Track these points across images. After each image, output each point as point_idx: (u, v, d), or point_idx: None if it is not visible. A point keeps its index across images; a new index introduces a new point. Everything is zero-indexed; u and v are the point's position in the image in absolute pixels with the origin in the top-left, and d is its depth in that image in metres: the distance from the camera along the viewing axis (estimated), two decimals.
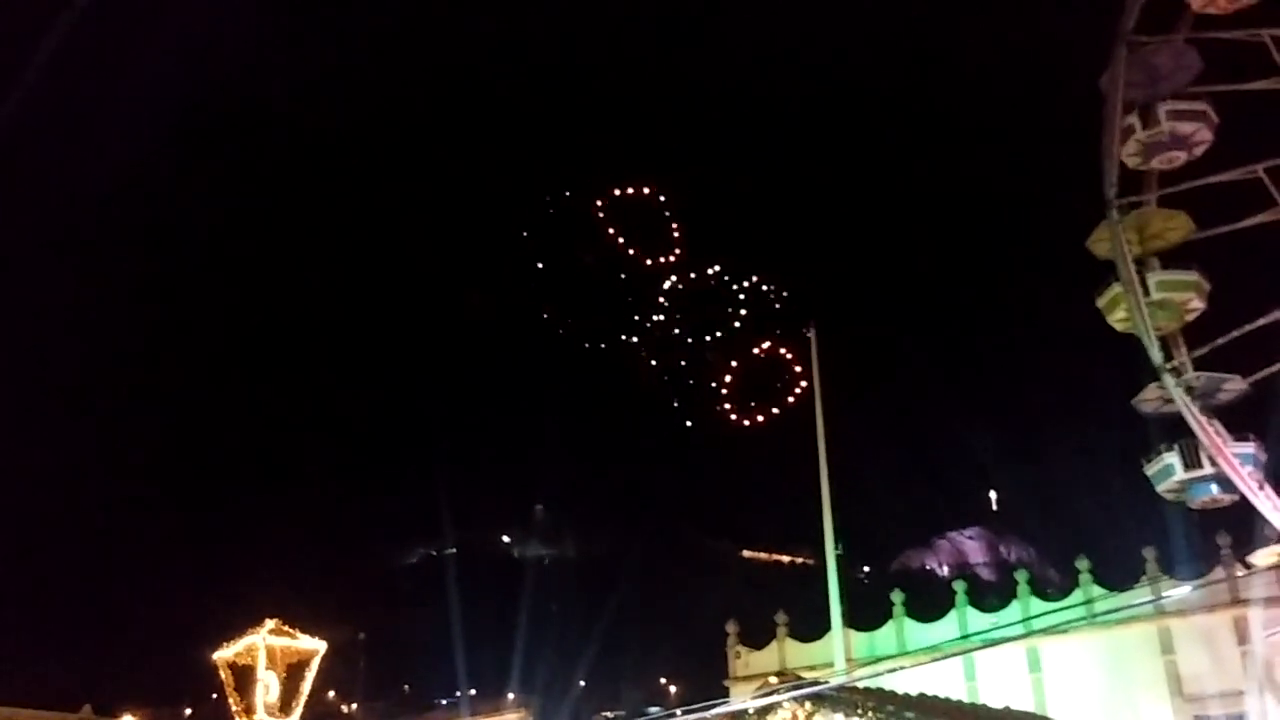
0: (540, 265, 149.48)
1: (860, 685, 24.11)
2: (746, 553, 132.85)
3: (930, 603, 44.53)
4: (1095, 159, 40.66)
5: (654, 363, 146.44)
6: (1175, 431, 39.01)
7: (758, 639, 46.42)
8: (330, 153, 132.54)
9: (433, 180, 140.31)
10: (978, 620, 41.02)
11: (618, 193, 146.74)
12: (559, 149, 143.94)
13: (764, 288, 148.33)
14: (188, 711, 76.94)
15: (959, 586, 42.92)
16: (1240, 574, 34.42)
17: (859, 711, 21.32)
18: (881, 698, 22.50)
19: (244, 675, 44.91)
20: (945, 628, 41.53)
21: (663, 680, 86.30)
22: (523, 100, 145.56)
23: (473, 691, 75.99)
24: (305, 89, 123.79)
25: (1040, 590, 44.26)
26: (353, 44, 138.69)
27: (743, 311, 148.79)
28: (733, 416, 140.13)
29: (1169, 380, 38.33)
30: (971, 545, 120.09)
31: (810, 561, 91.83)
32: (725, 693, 44.21)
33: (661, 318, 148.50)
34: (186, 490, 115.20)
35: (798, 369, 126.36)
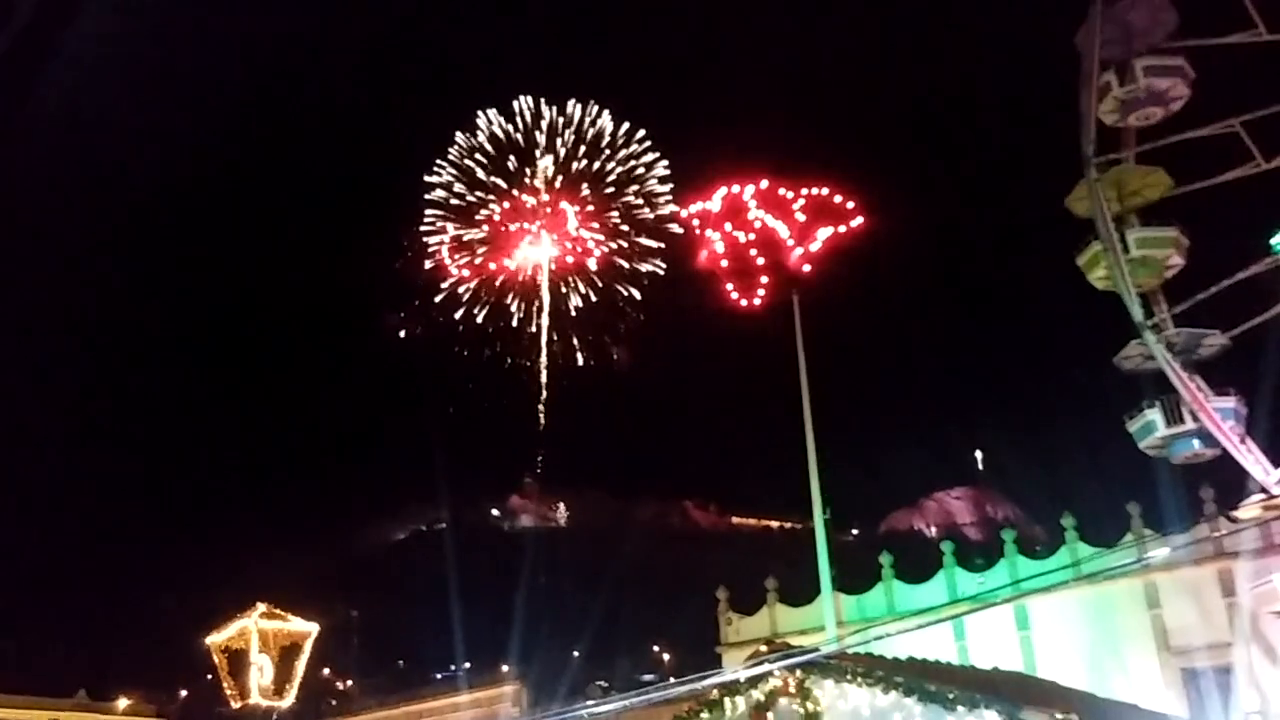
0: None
1: (849, 651, 24.21)
2: (736, 519, 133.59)
3: (918, 563, 44.70)
4: (1073, 117, 40.61)
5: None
6: (1158, 388, 39.24)
7: (748, 605, 46.64)
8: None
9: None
10: (966, 580, 41.22)
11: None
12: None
13: None
14: (183, 694, 76.99)
15: (946, 547, 43.14)
16: (1222, 532, 34.58)
17: (849, 678, 21.46)
18: (871, 663, 22.62)
19: (238, 659, 44.85)
20: (934, 589, 41.75)
21: (655, 648, 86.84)
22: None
23: (467, 665, 76.24)
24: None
25: (1027, 549, 44.54)
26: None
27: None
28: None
29: (1150, 337, 38.50)
30: (958, 505, 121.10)
31: (799, 526, 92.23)
32: (718, 659, 44.49)
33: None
34: (175, 475, 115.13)
35: None
